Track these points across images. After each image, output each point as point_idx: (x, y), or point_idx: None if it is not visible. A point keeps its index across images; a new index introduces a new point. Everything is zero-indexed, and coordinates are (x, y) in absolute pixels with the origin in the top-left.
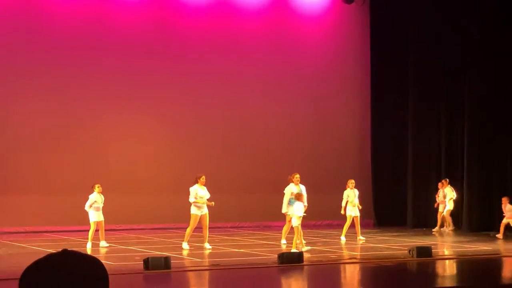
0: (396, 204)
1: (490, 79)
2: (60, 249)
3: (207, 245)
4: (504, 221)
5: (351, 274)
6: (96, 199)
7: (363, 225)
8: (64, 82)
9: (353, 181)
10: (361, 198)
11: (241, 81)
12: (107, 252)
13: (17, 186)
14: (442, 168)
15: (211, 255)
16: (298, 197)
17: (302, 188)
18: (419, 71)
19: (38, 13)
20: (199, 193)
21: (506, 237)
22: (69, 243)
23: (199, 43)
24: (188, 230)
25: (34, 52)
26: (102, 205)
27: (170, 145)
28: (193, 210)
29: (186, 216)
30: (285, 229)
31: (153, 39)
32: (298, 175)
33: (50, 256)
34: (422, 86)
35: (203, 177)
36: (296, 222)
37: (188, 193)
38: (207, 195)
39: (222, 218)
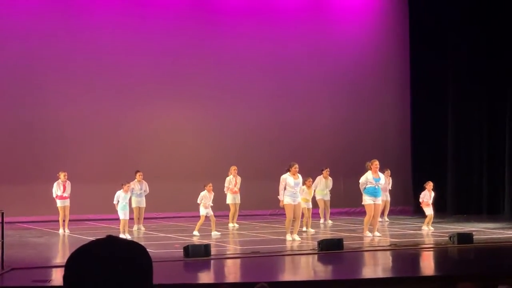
0: (435, 190)
1: None
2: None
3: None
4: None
5: (391, 260)
6: (133, 186)
7: (403, 212)
8: (107, 73)
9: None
10: (401, 185)
11: (280, 69)
12: (147, 240)
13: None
14: (482, 150)
15: (250, 242)
16: None
17: (381, 177)
18: (460, 64)
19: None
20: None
21: None
22: (109, 231)
23: (239, 30)
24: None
25: (76, 42)
26: (141, 192)
27: (209, 133)
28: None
29: (222, 203)
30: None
31: (191, 25)
32: (377, 162)
33: (95, 242)
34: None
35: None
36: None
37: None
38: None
39: (262, 205)
